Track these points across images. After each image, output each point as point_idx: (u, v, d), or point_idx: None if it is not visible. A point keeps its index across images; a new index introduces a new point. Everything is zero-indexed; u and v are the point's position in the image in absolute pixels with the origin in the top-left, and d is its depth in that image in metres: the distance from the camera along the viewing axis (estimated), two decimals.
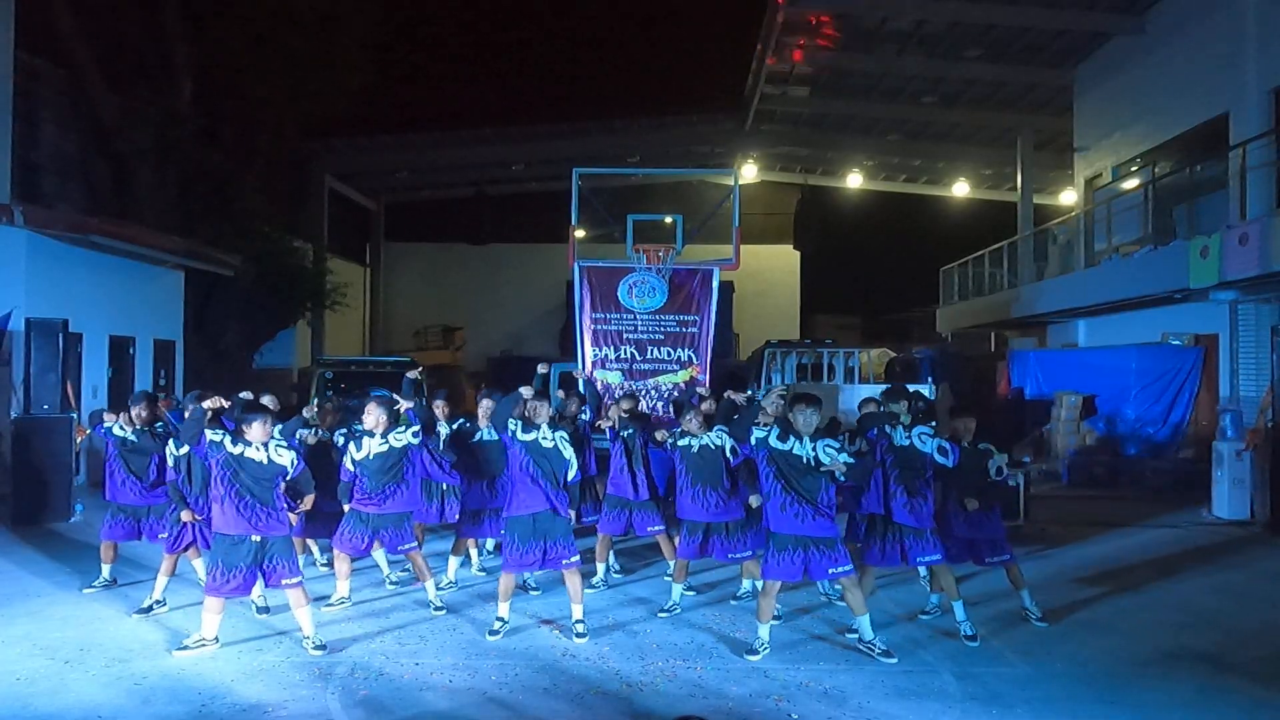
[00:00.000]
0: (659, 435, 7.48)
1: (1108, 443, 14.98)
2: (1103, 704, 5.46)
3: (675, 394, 10.95)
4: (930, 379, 16.86)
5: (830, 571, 6.15)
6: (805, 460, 6.07)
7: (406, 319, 31.76)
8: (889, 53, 20.08)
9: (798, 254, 32.23)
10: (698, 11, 38.06)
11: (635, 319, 11.37)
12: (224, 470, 6.16)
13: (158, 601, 7.03)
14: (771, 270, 31.08)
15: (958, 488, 6.88)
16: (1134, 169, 17.75)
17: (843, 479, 6.15)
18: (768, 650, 6.18)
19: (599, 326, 11.37)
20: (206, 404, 6.43)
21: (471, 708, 5.32)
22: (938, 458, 6.55)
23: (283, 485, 6.34)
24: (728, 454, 7.09)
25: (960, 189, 29.47)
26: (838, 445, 6.12)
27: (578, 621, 6.55)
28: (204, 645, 6.14)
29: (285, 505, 6.39)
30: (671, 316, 11.38)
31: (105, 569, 7.72)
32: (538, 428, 6.66)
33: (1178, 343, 14.86)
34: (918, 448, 6.57)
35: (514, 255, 31.65)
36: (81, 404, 12.25)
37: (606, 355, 11.35)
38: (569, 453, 6.69)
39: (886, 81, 22.06)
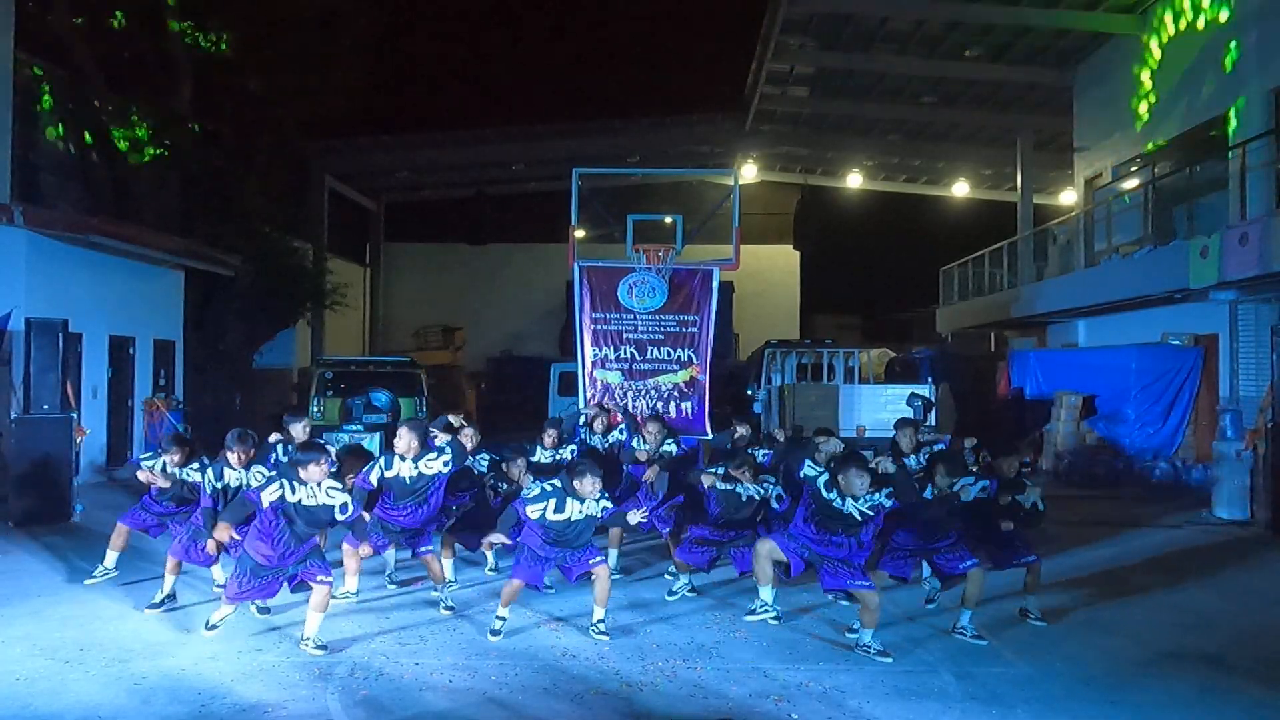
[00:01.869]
0: (705, 480, 7.50)
1: (1107, 443, 14.98)
2: (1103, 704, 5.46)
3: (675, 394, 10.96)
4: (930, 379, 16.87)
5: (849, 583, 6.23)
6: (846, 514, 6.30)
7: (406, 319, 31.75)
8: (889, 53, 20.09)
9: (798, 254, 32.22)
10: (698, 11, 38.12)
11: (635, 319, 11.37)
12: (279, 518, 6.15)
13: (169, 597, 7.04)
14: (771, 270, 31.08)
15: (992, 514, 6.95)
16: (1134, 169, 17.75)
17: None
18: (770, 613, 6.27)
19: (599, 326, 11.37)
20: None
21: (471, 708, 5.32)
22: (981, 497, 6.81)
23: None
24: (772, 503, 7.30)
25: (960, 189, 29.47)
26: (874, 503, 6.31)
27: (599, 621, 6.57)
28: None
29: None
30: (671, 316, 11.38)
31: (111, 556, 7.63)
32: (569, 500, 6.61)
33: (1178, 343, 14.86)
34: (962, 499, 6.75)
35: (514, 255, 31.64)
36: (81, 404, 12.25)
37: (606, 355, 11.36)
38: (594, 509, 6.61)
39: (886, 81, 22.07)
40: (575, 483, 6.56)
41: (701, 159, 29.83)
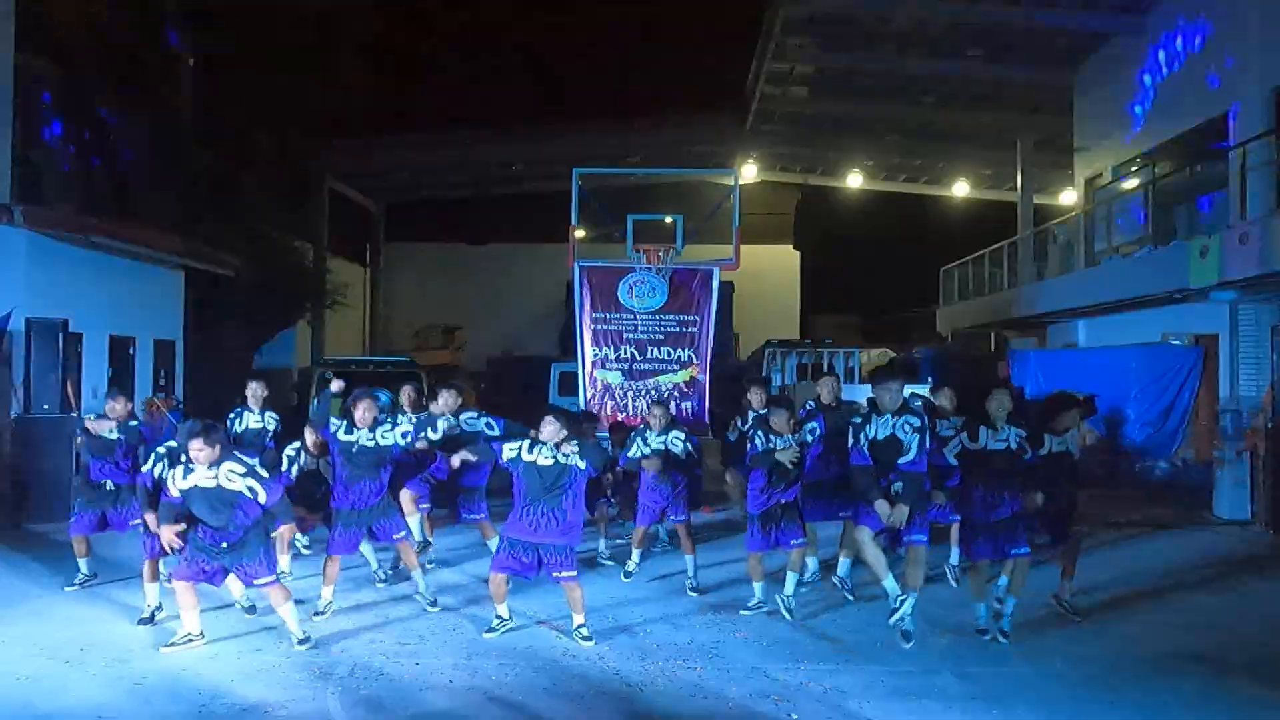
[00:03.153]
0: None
1: (1108, 443, 14.97)
2: (1103, 704, 5.46)
3: (675, 394, 10.98)
4: (930, 379, 16.86)
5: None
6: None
7: (406, 319, 31.76)
8: (889, 53, 20.08)
9: (798, 254, 32.24)
10: (698, 11, 38.03)
11: (635, 319, 11.39)
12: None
13: (156, 608, 6.92)
14: (771, 270, 31.06)
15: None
16: (1134, 169, 17.74)
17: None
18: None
19: (599, 326, 11.39)
20: None
21: (471, 708, 5.32)
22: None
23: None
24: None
25: (960, 189, 29.43)
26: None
27: (580, 627, 6.51)
28: (191, 641, 6.13)
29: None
30: (671, 316, 11.40)
31: (82, 563, 7.74)
32: (542, 445, 6.49)
33: (1178, 343, 14.85)
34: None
35: (514, 255, 31.64)
36: (81, 404, 12.24)
37: (606, 355, 11.37)
38: (565, 459, 6.39)
39: (886, 81, 22.06)
40: (539, 429, 6.52)
41: (701, 159, 29.81)
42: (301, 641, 6.17)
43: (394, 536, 7.23)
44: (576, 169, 11.92)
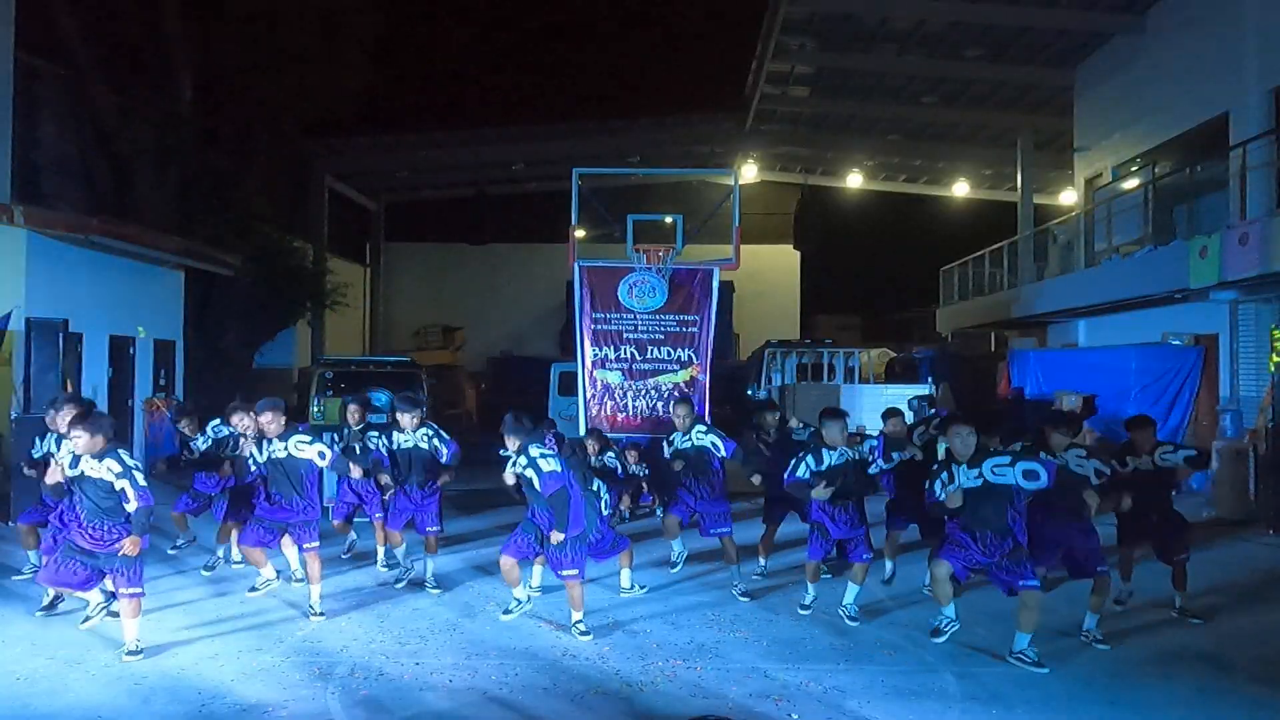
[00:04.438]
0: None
1: (1108, 443, 14.95)
2: (1103, 704, 5.47)
3: (675, 394, 10.99)
4: (930, 379, 16.87)
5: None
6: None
7: (406, 319, 31.77)
8: (889, 53, 20.10)
9: (798, 254, 32.24)
10: (698, 11, 38.07)
11: (635, 319, 11.39)
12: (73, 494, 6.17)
13: (57, 598, 6.93)
14: (771, 270, 31.08)
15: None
16: (1134, 169, 17.74)
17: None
18: (956, 628, 6.32)
19: (599, 326, 11.39)
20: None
21: (471, 708, 5.32)
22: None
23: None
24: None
25: (960, 189, 29.47)
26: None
27: (577, 623, 6.57)
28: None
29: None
30: (671, 316, 11.40)
31: (32, 555, 7.90)
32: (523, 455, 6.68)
33: (1178, 343, 14.84)
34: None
35: (514, 255, 31.66)
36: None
37: (606, 355, 11.37)
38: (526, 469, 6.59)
39: (886, 81, 22.08)
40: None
41: (701, 159, 29.83)
42: (131, 653, 5.94)
43: (304, 545, 7.10)
44: (576, 169, 11.92)
